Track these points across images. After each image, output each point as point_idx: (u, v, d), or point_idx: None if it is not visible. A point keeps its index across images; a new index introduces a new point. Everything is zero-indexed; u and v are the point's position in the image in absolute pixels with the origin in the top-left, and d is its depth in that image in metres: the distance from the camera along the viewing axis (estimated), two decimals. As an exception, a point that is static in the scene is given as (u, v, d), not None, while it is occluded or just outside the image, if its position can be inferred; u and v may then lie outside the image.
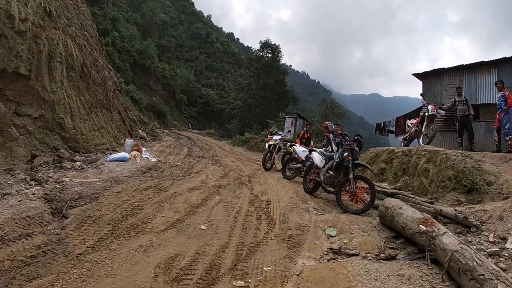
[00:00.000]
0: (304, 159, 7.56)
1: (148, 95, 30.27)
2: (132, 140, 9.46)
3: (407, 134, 8.74)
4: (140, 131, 15.96)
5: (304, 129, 10.06)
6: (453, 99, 8.07)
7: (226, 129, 35.76)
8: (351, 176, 5.22)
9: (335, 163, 5.65)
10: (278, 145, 9.50)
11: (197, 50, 53.33)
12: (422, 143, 7.63)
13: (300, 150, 7.81)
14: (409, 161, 6.60)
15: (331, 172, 5.73)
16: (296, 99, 31.05)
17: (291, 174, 8.15)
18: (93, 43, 10.81)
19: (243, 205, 5.02)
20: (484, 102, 9.01)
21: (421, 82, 10.48)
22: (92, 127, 8.70)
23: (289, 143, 9.74)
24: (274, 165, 9.55)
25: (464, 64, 9.72)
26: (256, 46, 31.62)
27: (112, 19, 30.67)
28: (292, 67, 36.95)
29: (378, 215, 4.28)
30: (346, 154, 5.42)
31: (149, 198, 4.84)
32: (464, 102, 7.88)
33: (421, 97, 8.68)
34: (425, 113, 7.88)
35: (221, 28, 78.77)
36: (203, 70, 49.49)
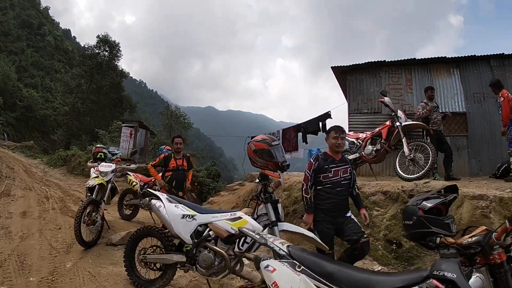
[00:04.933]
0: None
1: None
2: None
3: (353, 156, 5.30)
4: None
5: (166, 151, 5.85)
6: (422, 103, 5.63)
7: (51, 140, 29.92)
8: None
9: None
10: (111, 185, 5.00)
11: (25, 42, 43.79)
12: (403, 173, 4.81)
13: (175, 213, 2.94)
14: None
15: None
16: (134, 107, 28.56)
17: (158, 277, 3.13)
18: None
19: None
20: (445, 111, 6.87)
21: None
22: None
23: (134, 181, 6.09)
24: (106, 225, 5.09)
25: (415, 58, 7.75)
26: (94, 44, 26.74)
27: None
28: (130, 75, 35.03)
29: None
30: None
31: None
32: (438, 109, 5.81)
33: (387, 98, 5.30)
34: (393, 122, 4.99)
35: (58, 23, 67.54)
36: (28, 66, 40.38)
